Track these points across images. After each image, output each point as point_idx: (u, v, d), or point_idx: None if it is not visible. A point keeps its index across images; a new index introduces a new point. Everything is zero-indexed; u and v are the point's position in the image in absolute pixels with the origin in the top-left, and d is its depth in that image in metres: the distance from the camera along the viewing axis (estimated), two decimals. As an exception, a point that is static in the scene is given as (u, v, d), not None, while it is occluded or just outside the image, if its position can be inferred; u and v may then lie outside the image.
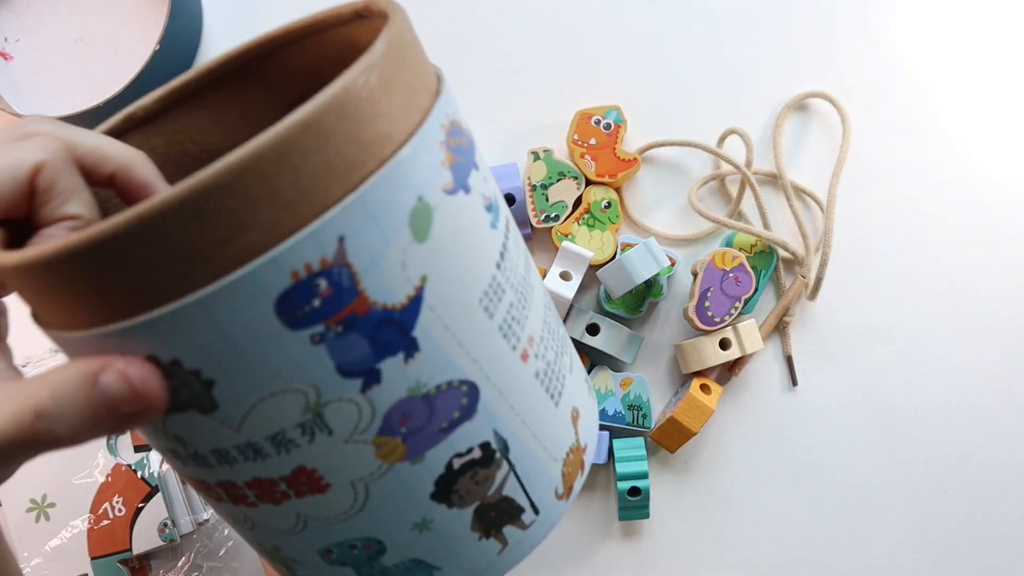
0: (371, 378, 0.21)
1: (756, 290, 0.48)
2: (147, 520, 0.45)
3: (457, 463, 0.24)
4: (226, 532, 0.49)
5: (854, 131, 0.50)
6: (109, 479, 0.46)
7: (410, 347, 0.21)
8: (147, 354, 0.19)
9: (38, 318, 0.22)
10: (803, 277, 0.48)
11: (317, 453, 0.22)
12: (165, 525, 0.45)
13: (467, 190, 0.23)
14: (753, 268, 0.48)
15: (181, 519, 0.46)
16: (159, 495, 0.46)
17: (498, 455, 0.25)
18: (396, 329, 0.21)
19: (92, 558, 0.45)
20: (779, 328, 0.50)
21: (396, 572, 0.26)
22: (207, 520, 0.47)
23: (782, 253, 0.50)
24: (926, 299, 0.50)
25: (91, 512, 0.45)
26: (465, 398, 0.23)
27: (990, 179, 0.51)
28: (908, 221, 0.51)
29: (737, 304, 0.47)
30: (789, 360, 0.50)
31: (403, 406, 0.22)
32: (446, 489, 0.24)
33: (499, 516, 0.26)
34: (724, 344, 0.47)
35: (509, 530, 0.27)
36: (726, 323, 0.47)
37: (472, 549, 0.26)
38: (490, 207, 0.25)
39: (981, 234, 0.50)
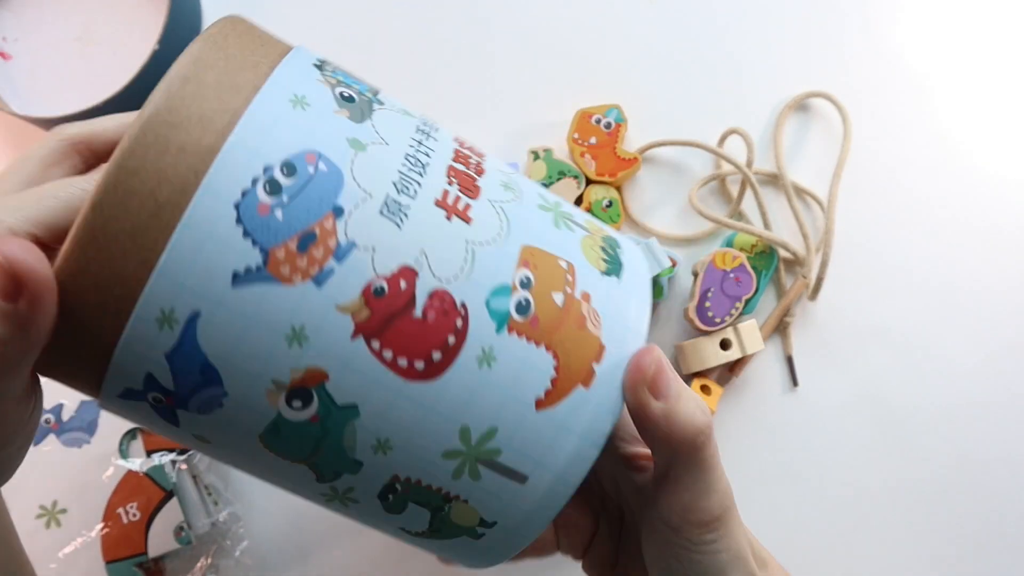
0: None
1: (757, 290, 0.48)
2: (162, 524, 0.45)
3: None
4: (241, 531, 0.49)
5: (855, 131, 0.50)
6: (122, 485, 0.45)
7: None
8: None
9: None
10: (804, 277, 0.48)
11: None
12: (181, 528, 0.45)
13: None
14: (754, 268, 0.48)
15: (197, 522, 0.46)
16: (174, 499, 0.46)
17: None
18: None
19: (107, 562, 0.45)
20: (780, 328, 0.50)
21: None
22: (222, 520, 0.48)
23: (783, 253, 0.50)
24: (927, 299, 0.50)
25: (104, 520, 0.45)
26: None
27: (992, 179, 0.51)
28: (909, 221, 0.50)
29: (738, 304, 0.47)
30: (790, 360, 0.49)
31: None
32: None
33: None
34: (725, 345, 0.47)
35: None
36: (727, 323, 0.47)
37: None
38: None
39: (982, 234, 0.50)
